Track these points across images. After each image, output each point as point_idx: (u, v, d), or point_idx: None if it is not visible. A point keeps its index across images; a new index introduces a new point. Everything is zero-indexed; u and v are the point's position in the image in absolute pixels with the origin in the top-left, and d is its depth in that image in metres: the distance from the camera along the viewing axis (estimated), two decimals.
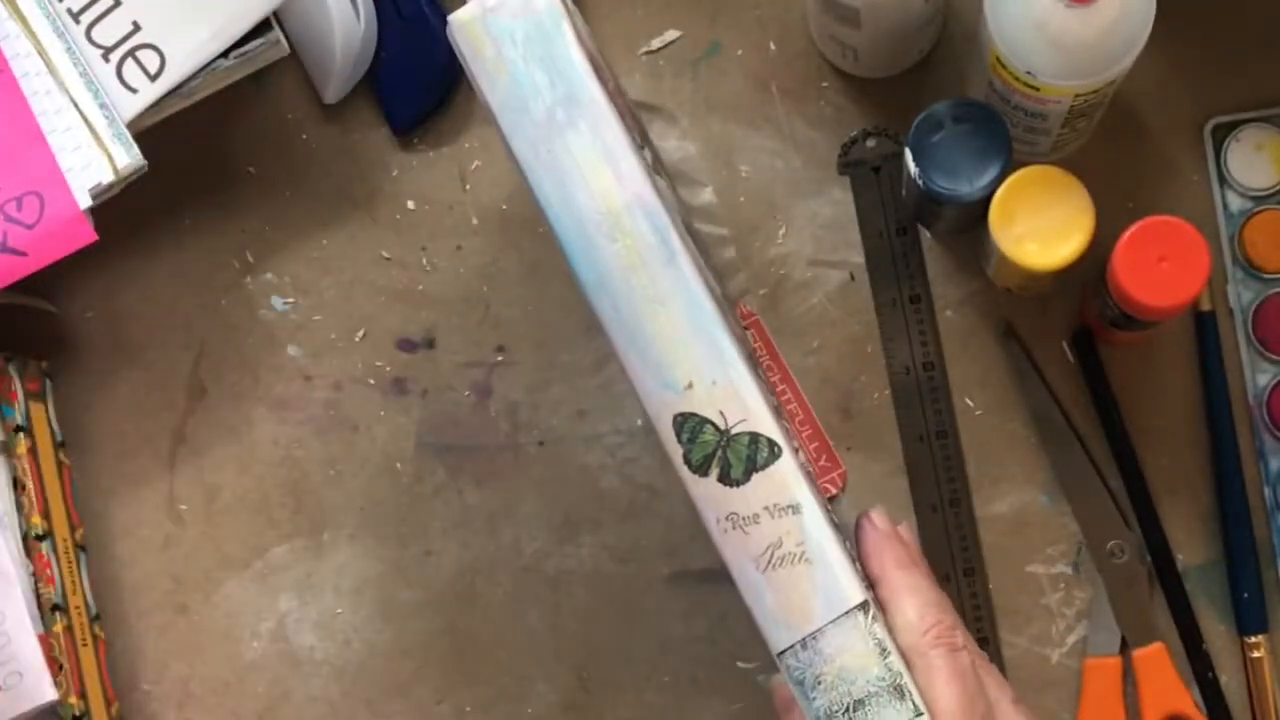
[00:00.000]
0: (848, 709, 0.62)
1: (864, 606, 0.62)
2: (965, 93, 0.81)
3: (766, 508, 0.63)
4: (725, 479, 0.63)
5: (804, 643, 0.62)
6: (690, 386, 0.62)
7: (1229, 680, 0.80)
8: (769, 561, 0.63)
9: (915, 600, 0.63)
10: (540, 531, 0.83)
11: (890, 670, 0.61)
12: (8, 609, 0.77)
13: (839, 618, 0.62)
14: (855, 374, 0.82)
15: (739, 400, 0.62)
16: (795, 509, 0.62)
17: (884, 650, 0.62)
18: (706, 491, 0.63)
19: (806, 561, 0.62)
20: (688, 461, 0.63)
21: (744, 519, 0.63)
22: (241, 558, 0.84)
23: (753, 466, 0.63)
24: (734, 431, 0.63)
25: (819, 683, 0.62)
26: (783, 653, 0.62)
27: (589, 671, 0.83)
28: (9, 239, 0.75)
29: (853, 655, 0.62)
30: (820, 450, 0.82)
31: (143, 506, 0.85)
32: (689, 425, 0.63)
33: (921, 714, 0.61)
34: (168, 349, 0.85)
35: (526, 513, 0.84)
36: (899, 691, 0.61)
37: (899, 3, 0.75)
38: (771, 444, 0.62)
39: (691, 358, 0.62)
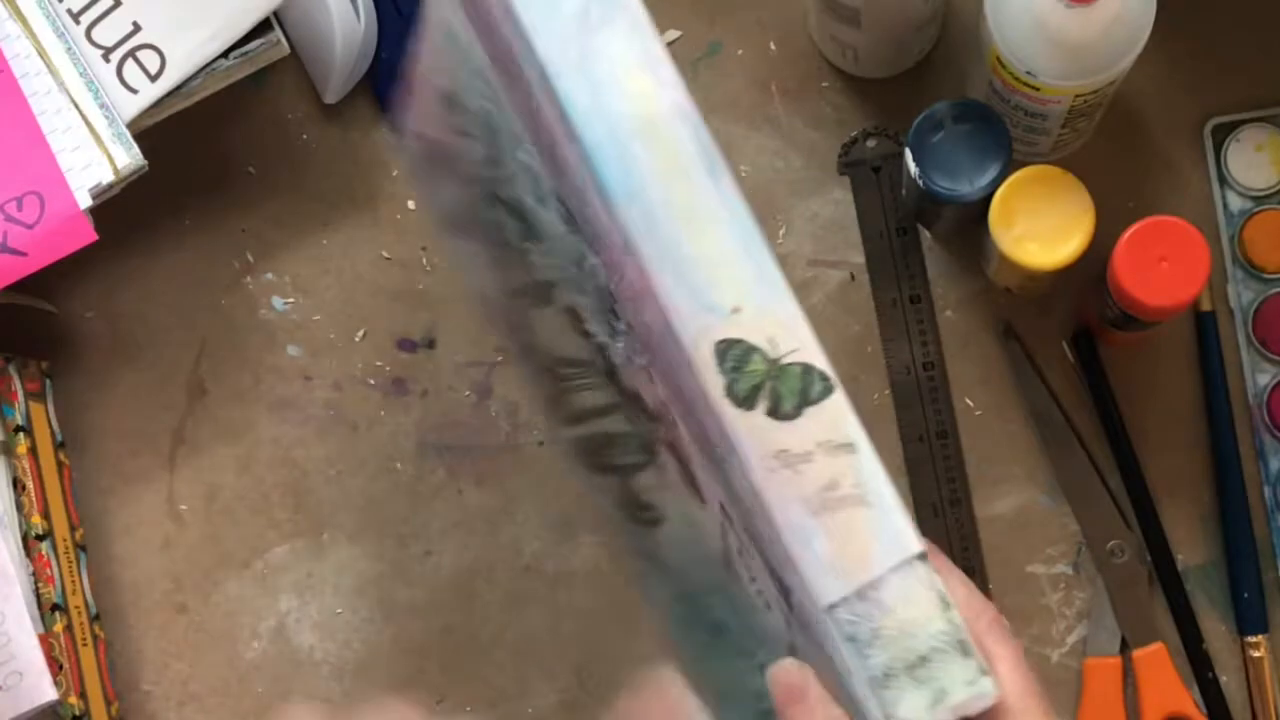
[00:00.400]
0: (910, 666, 0.55)
1: (924, 556, 0.55)
2: (965, 93, 0.81)
3: (820, 444, 0.56)
4: (775, 412, 0.56)
5: (861, 593, 0.56)
6: (737, 310, 0.56)
7: (1229, 680, 0.80)
8: (822, 504, 0.56)
9: (961, 590, 0.58)
10: (540, 531, 0.83)
11: (953, 624, 0.55)
12: (8, 609, 0.77)
13: (900, 565, 0.55)
14: (855, 374, 0.82)
15: (790, 329, 0.56)
16: (851, 448, 0.56)
17: (946, 603, 0.55)
18: (752, 426, 0.56)
19: (865, 504, 0.56)
20: (731, 393, 0.56)
21: (796, 456, 0.57)
22: (241, 558, 0.84)
23: (805, 400, 0.56)
24: (785, 361, 0.56)
25: (877, 637, 0.56)
26: (835, 605, 0.56)
27: (589, 671, 0.83)
28: (9, 239, 0.75)
29: (915, 607, 0.55)
30: None
31: (143, 506, 0.85)
32: (734, 352, 0.56)
33: (987, 674, 0.55)
34: (168, 349, 0.85)
35: (526, 513, 0.84)
36: (963, 648, 0.55)
37: (899, 3, 0.75)
38: (824, 376, 0.56)
39: (739, 280, 0.56)
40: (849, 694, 0.55)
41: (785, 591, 0.57)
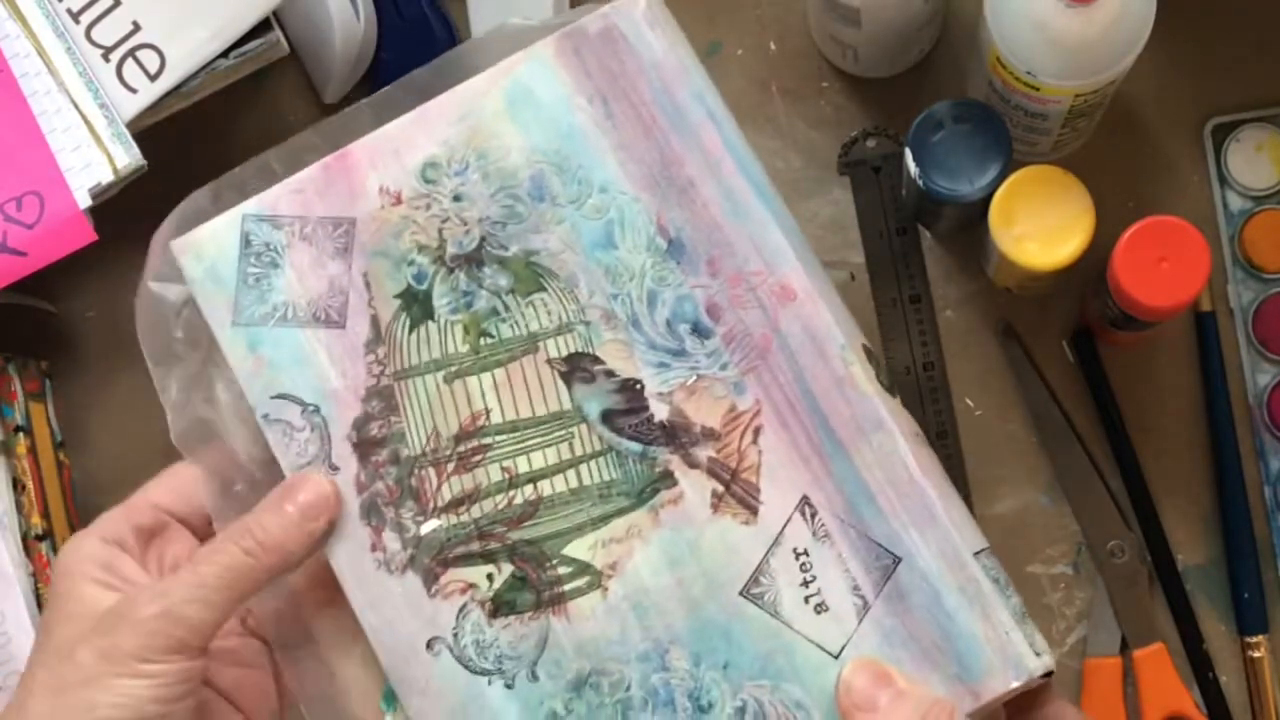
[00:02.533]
0: (1023, 615, 0.66)
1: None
2: (965, 93, 0.81)
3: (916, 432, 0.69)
4: (902, 402, 0.69)
5: (991, 549, 0.67)
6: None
7: (1229, 680, 0.80)
8: (945, 474, 0.68)
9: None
10: None
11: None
12: (7, 609, 0.77)
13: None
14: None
15: None
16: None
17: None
18: (897, 409, 0.68)
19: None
20: (880, 381, 0.68)
21: (921, 438, 0.69)
22: None
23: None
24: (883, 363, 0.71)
25: (1010, 584, 0.67)
26: (979, 552, 0.66)
27: None
28: (9, 239, 0.75)
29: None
30: None
31: None
32: (873, 354, 0.70)
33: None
34: None
35: None
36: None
37: (899, 3, 0.75)
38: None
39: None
40: (944, 632, 0.65)
41: (888, 568, 0.66)
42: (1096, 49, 0.70)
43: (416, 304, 0.70)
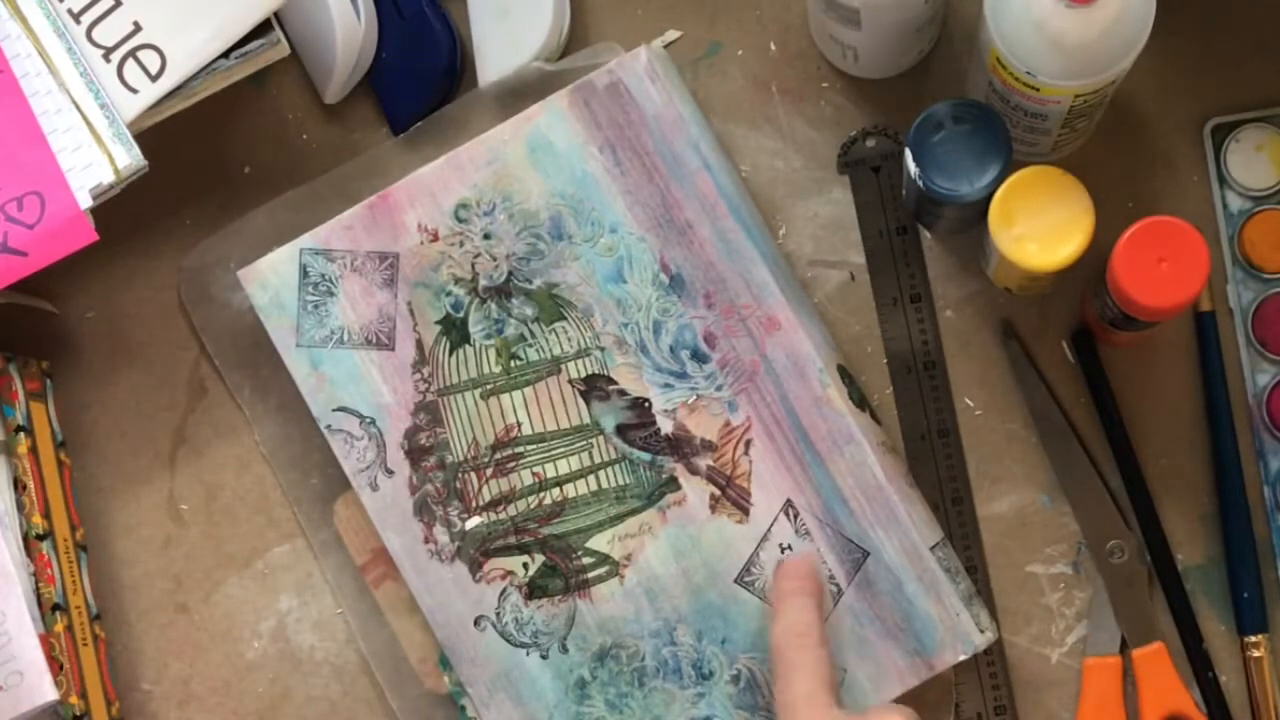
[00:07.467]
0: (971, 597, 0.78)
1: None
2: (965, 93, 0.81)
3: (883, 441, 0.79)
4: (871, 414, 0.79)
5: (944, 541, 0.78)
6: (839, 347, 0.81)
7: (1229, 680, 0.81)
8: (908, 479, 0.79)
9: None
10: None
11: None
12: (8, 609, 0.77)
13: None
14: (856, 374, 0.82)
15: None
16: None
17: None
18: (866, 423, 0.78)
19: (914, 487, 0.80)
20: (852, 399, 0.78)
21: (887, 446, 0.79)
22: (242, 557, 0.84)
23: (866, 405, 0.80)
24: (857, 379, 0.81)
25: (959, 571, 0.78)
26: (935, 545, 0.77)
27: None
28: (9, 239, 0.75)
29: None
30: None
31: (143, 506, 0.85)
32: (847, 372, 0.79)
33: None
34: (168, 349, 0.85)
35: None
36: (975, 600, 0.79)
37: (899, 3, 0.75)
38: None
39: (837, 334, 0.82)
40: (905, 614, 0.76)
41: (858, 560, 0.77)
42: (1096, 49, 0.70)
43: (455, 330, 0.79)
